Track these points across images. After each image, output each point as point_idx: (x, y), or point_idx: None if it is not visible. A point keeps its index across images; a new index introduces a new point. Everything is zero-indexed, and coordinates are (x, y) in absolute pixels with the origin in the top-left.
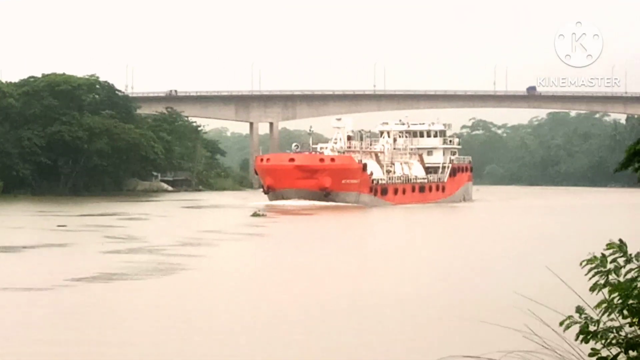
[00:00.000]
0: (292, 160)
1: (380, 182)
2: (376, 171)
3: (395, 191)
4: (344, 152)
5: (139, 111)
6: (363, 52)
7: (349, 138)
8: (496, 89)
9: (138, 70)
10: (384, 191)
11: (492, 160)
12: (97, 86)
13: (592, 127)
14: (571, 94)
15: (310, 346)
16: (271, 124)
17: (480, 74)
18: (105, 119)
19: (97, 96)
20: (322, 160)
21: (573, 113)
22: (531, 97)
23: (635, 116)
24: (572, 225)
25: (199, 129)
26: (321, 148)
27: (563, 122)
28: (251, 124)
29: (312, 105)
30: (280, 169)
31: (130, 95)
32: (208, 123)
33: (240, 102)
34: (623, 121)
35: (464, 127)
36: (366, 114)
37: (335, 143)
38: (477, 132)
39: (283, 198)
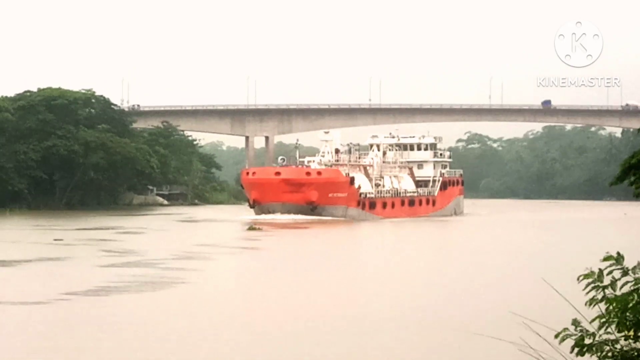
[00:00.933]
0: (278, 173)
1: (368, 195)
2: (365, 185)
3: (384, 205)
4: (331, 166)
5: (134, 125)
6: (359, 66)
7: (337, 151)
8: (492, 103)
9: (134, 84)
10: (372, 205)
11: (487, 174)
12: (93, 100)
13: (587, 140)
14: (567, 107)
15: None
16: (267, 137)
17: (477, 87)
18: (101, 133)
19: (92, 110)
20: (308, 173)
21: (568, 126)
22: (527, 111)
23: (631, 130)
24: (563, 239)
25: (195, 143)
26: (308, 161)
27: (558, 136)
28: (247, 137)
29: (308, 119)
30: (266, 183)
31: (125, 109)
32: (204, 137)
33: (236, 116)
34: (618, 134)
35: (459, 140)
36: (362, 128)
37: (323, 156)
38: (472, 145)
39: (269, 212)
